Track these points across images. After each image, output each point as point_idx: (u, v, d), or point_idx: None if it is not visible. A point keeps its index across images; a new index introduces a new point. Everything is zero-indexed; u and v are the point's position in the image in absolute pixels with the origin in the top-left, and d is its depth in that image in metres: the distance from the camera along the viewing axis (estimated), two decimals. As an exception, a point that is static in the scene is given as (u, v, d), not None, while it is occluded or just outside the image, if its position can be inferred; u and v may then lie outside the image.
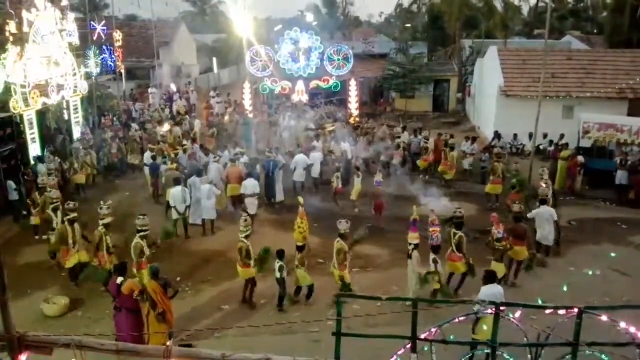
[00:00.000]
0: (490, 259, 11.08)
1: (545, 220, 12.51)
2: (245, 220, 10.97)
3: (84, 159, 17.89)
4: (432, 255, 10.57)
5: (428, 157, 19.86)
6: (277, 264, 10.58)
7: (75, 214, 11.62)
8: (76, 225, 11.57)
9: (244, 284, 10.95)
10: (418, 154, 20.39)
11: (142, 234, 10.68)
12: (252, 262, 10.74)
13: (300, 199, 12.76)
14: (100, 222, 11.29)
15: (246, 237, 10.81)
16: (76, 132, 21.54)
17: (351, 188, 16.66)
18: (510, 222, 11.91)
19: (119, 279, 8.92)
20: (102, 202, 11.72)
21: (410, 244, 10.77)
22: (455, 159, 18.88)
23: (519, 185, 15.29)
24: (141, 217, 10.96)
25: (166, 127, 22.02)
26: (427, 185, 17.59)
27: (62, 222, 11.93)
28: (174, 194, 14.11)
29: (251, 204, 15.13)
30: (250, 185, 15.12)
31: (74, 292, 11.25)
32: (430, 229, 10.73)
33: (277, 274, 10.61)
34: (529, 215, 12.65)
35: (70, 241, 11.38)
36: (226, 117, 25.41)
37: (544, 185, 14.17)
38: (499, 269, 10.72)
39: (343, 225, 10.92)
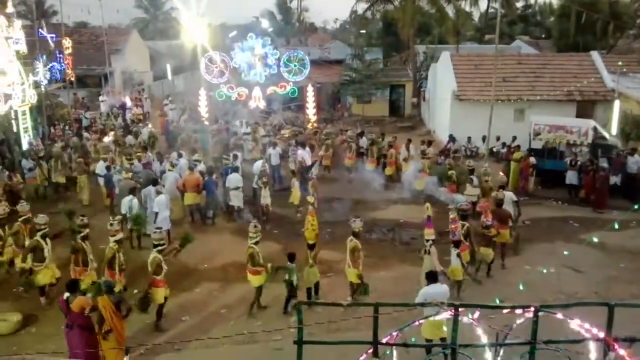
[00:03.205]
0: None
1: (507, 204, 13.31)
2: (255, 226, 10.80)
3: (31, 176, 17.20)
4: (454, 250, 10.84)
5: (352, 155, 20.50)
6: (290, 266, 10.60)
7: (87, 230, 10.97)
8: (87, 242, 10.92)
9: (255, 291, 10.68)
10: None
11: (159, 248, 10.04)
12: (263, 268, 10.60)
13: (310, 199, 13.19)
14: (111, 238, 10.54)
15: (255, 243, 10.64)
16: (25, 143, 20.84)
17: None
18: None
19: (66, 295, 8.34)
20: (111, 218, 11.08)
21: (427, 240, 10.90)
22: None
23: (455, 176, 16.56)
24: (157, 230, 10.48)
25: (110, 137, 21.59)
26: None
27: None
28: (123, 203, 13.88)
29: (235, 197, 15.43)
30: (234, 179, 15.43)
31: (26, 308, 10.75)
32: (452, 226, 10.95)
33: (288, 277, 10.54)
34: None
35: (90, 258, 10.77)
36: (182, 124, 25.10)
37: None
38: (487, 253, 11.89)
39: (357, 224, 10.91)
